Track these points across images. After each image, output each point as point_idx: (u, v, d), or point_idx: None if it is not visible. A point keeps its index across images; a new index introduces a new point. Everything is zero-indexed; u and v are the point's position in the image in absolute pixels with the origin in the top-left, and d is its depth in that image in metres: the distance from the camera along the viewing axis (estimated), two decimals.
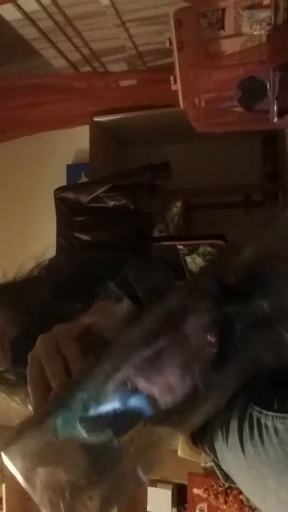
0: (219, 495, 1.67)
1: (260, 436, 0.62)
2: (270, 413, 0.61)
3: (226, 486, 1.71)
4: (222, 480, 0.77)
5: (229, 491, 1.70)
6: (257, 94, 1.27)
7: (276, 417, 0.61)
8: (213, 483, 1.72)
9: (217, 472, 0.75)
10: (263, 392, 0.68)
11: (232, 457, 0.69)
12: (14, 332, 0.70)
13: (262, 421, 0.62)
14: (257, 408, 0.64)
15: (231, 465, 0.69)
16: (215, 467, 0.75)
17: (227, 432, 0.70)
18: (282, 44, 1.23)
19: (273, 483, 0.60)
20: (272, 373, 0.70)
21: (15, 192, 2.28)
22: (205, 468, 1.62)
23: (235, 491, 1.71)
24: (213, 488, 1.69)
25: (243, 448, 0.65)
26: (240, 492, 1.76)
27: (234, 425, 0.68)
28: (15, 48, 1.76)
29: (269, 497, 0.62)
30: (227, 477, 0.78)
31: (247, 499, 1.69)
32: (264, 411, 0.62)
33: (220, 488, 1.69)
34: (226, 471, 0.75)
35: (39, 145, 2.21)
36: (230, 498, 1.68)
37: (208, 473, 1.65)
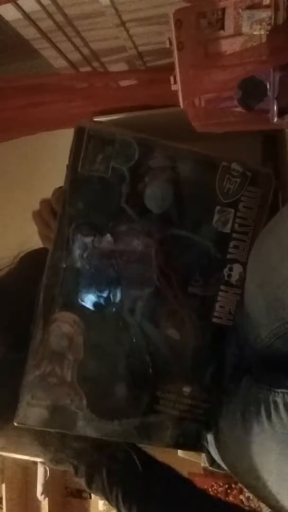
0: (219, 495, 1.67)
1: (267, 412, 0.62)
2: (279, 390, 0.62)
3: (226, 486, 1.71)
4: (207, 463, 0.78)
5: (229, 491, 1.71)
6: (257, 94, 1.27)
7: (286, 393, 0.61)
8: (213, 483, 1.73)
9: (205, 455, 0.75)
10: (268, 371, 0.69)
11: (230, 440, 0.69)
12: None
13: (271, 397, 0.62)
14: (264, 387, 0.65)
15: (229, 449, 0.69)
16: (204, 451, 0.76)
17: (227, 414, 0.70)
18: (282, 44, 1.23)
19: (275, 457, 0.60)
20: (273, 360, 0.70)
21: (14, 192, 2.28)
22: (205, 468, 1.62)
23: (235, 491, 1.71)
24: (213, 488, 1.69)
25: (245, 427, 0.65)
26: (240, 492, 1.76)
27: (236, 407, 0.68)
28: (15, 48, 1.76)
29: (267, 471, 0.62)
30: (212, 462, 0.78)
31: (247, 499, 1.69)
32: (272, 389, 0.63)
33: (220, 488, 1.69)
34: (215, 454, 0.76)
35: (39, 145, 2.21)
36: (230, 498, 1.69)
37: (208, 473, 1.66)
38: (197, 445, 0.74)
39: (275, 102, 1.26)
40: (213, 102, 1.41)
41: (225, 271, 0.71)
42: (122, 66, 1.87)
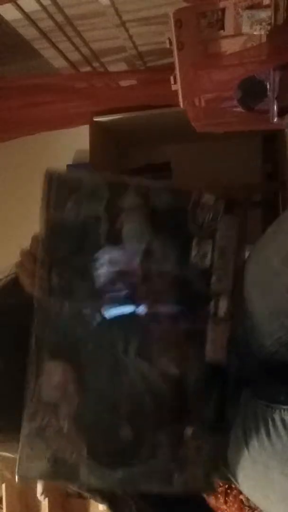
0: (219, 495, 1.67)
1: (266, 429, 0.61)
2: (277, 406, 0.61)
3: (226, 486, 1.70)
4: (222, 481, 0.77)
5: (229, 491, 1.70)
6: (257, 94, 1.27)
7: (284, 410, 0.61)
8: None
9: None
10: (267, 386, 0.68)
11: (234, 453, 0.69)
12: None
13: (269, 414, 0.62)
14: (263, 403, 0.64)
15: (233, 461, 0.69)
16: None
17: (232, 427, 0.69)
18: (282, 44, 1.23)
19: (278, 476, 0.60)
20: (275, 369, 0.70)
21: (15, 192, 2.28)
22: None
23: (235, 491, 1.71)
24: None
25: (247, 443, 0.65)
26: (240, 492, 1.76)
27: (237, 421, 0.68)
28: (15, 48, 1.76)
29: (272, 491, 0.62)
30: (225, 478, 0.78)
31: (247, 499, 1.69)
32: (270, 405, 0.63)
33: (220, 488, 1.69)
34: (225, 470, 0.75)
35: (39, 145, 2.21)
36: (230, 498, 1.68)
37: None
38: (208, 487, 0.71)
39: (275, 102, 1.26)
40: (213, 102, 1.41)
41: (211, 305, 0.69)
42: (122, 66, 1.88)
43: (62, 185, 0.74)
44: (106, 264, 0.69)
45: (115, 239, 0.70)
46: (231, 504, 1.66)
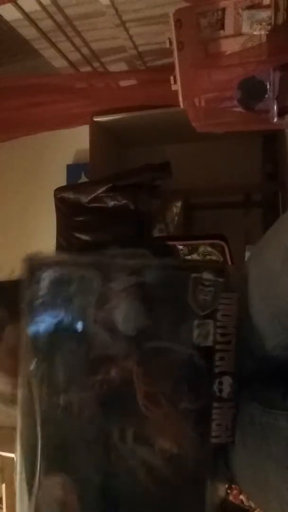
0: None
1: (263, 433, 0.62)
2: (273, 411, 0.61)
3: (226, 486, 1.70)
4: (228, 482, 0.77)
5: (229, 491, 1.70)
6: (257, 94, 1.27)
7: (280, 414, 0.61)
8: None
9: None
10: (265, 389, 0.68)
11: (233, 455, 0.69)
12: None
13: (264, 418, 0.62)
14: (260, 406, 0.64)
15: (232, 461, 0.69)
16: None
17: None
18: (282, 44, 1.23)
19: (275, 480, 0.60)
20: (274, 371, 0.70)
21: (15, 192, 2.28)
22: None
23: (235, 491, 1.71)
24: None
25: (245, 445, 0.65)
26: (240, 492, 1.76)
27: (236, 421, 0.68)
28: (15, 48, 1.76)
29: (269, 494, 0.62)
30: (232, 478, 0.77)
31: (247, 499, 1.69)
32: (266, 409, 0.63)
33: None
34: (225, 470, 0.75)
35: (39, 145, 2.21)
36: (230, 498, 1.68)
37: None
38: None
39: (275, 102, 1.26)
40: (213, 102, 1.41)
41: (215, 386, 0.67)
42: (122, 66, 1.88)
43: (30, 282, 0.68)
44: (97, 349, 0.66)
45: (106, 324, 0.67)
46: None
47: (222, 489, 0.72)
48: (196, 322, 0.67)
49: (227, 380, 0.68)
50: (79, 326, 0.66)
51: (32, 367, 0.64)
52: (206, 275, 0.68)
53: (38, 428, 0.63)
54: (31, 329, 0.66)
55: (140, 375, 0.66)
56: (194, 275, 0.68)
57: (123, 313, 0.68)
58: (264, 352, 0.69)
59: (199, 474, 0.66)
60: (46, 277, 0.67)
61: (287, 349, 0.66)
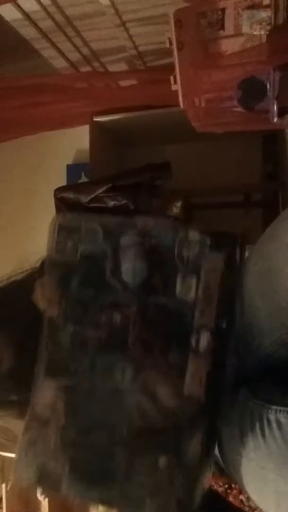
0: None
1: (262, 429, 0.62)
2: (273, 407, 0.62)
3: (226, 486, 1.71)
4: (217, 473, 0.78)
5: (229, 491, 1.71)
6: (257, 94, 1.27)
7: (280, 410, 0.61)
8: (212, 483, 1.72)
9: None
10: (265, 386, 0.68)
11: (230, 450, 0.69)
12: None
13: (264, 415, 0.62)
14: (259, 402, 0.64)
15: (229, 458, 0.69)
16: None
17: (227, 426, 0.70)
18: (282, 44, 1.23)
19: (272, 476, 0.60)
20: (274, 367, 0.70)
21: (15, 192, 2.28)
22: None
23: (234, 491, 1.71)
24: (213, 489, 1.69)
25: (243, 441, 0.65)
26: (240, 492, 1.76)
27: (234, 419, 0.68)
28: (15, 48, 1.76)
29: (267, 490, 0.62)
30: (221, 472, 0.78)
31: (247, 499, 1.69)
32: (266, 405, 0.63)
33: (220, 488, 1.69)
34: (223, 465, 0.75)
35: (39, 145, 2.21)
36: (230, 499, 1.68)
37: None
38: None
39: (275, 102, 1.26)
40: (213, 102, 1.41)
41: (193, 338, 0.70)
42: (122, 66, 1.88)
43: (63, 227, 0.79)
44: (108, 297, 0.73)
45: (118, 275, 0.74)
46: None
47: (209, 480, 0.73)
48: (179, 275, 0.72)
49: (205, 335, 0.70)
50: (100, 272, 0.75)
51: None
52: (193, 234, 0.73)
53: (44, 341, 0.72)
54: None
55: (137, 323, 0.71)
56: (181, 234, 0.74)
57: (127, 266, 0.74)
58: (262, 349, 0.69)
59: (181, 427, 0.69)
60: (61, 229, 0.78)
61: (283, 345, 0.66)
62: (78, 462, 0.70)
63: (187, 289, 0.71)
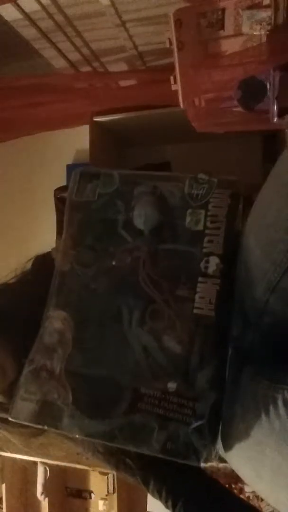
0: None
1: (266, 408, 0.62)
2: (279, 386, 0.62)
3: (226, 486, 1.71)
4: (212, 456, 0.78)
5: None
6: (257, 94, 1.27)
7: (286, 389, 0.61)
8: None
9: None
10: (268, 365, 0.68)
11: (229, 428, 0.69)
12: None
13: (270, 393, 0.62)
14: (265, 381, 0.64)
15: (228, 436, 0.69)
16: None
17: (228, 407, 0.70)
18: (282, 44, 1.23)
19: (272, 453, 0.60)
20: (280, 346, 0.70)
21: (15, 192, 2.28)
22: (205, 468, 1.62)
23: (235, 491, 1.71)
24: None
25: (244, 420, 0.65)
26: (240, 492, 1.76)
27: (236, 398, 0.68)
28: (15, 48, 1.76)
29: (263, 467, 0.62)
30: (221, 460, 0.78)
31: (247, 499, 1.69)
32: (273, 384, 0.63)
33: None
34: (221, 445, 0.75)
35: (39, 145, 2.21)
36: None
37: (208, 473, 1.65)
38: (187, 454, 0.66)
39: (275, 102, 1.26)
40: (213, 102, 1.41)
41: (202, 264, 0.73)
42: (122, 66, 1.87)
43: (84, 174, 0.86)
44: (120, 241, 0.79)
45: (129, 226, 0.79)
46: None
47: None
48: (189, 211, 0.78)
49: (213, 260, 0.74)
50: (115, 215, 0.81)
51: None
52: (201, 175, 0.83)
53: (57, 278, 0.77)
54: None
55: (147, 262, 0.76)
56: (191, 175, 0.82)
57: (138, 212, 0.80)
58: (256, 303, 0.69)
59: (198, 355, 0.70)
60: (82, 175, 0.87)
61: (273, 292, 0.66)
62: (80, 393, 0.70)
63: (196, 221, 0.76)
